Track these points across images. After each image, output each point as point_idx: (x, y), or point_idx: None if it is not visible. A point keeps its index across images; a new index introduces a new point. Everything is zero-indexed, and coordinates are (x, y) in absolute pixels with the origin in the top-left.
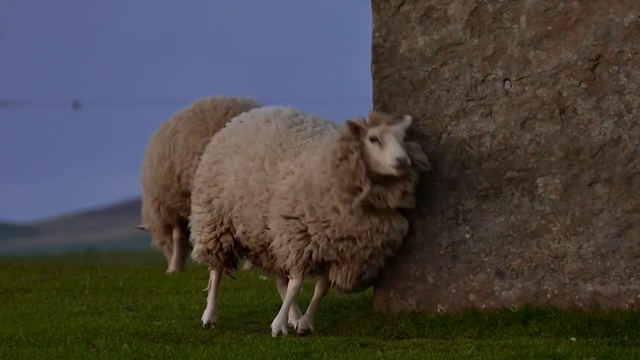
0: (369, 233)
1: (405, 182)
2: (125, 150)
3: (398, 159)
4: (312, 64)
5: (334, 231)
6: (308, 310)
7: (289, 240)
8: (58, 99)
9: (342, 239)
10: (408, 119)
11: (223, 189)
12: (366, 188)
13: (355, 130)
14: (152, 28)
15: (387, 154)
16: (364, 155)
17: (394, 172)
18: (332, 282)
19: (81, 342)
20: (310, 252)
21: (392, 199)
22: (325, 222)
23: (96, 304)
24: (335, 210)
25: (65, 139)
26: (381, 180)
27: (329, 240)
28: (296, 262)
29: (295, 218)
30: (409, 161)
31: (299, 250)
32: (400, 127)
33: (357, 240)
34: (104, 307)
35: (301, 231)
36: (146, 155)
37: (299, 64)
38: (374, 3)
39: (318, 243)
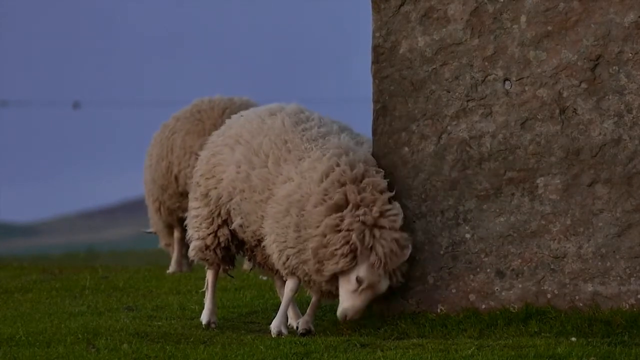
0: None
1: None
2: (125, 150)
3: (346, 316)
4: (312, 64)
5: (305, 262)
6: (308, 310)
7: (274, 241)
8: (58, 99)
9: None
10: (404, 256)
11: (222, 179)
12: (322, 282)
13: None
14: (153, 28)
15: (348, 301)
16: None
17: (338, 316)
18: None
19: (81, 342)
20: (288, 257)
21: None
22: (304, 247)
23: (96, 304)
24: (314, 251)
25: (65, 139)
26: None
27: (299, 262)
28: (278, 261)
29: (283, 225)
30: (349, 319)
31: (280, 252)
32: (387, 283)
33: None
34: (104, 307)
35: (285, 236)
36: (147, 156)
37: (299, 64)
38: (374, 3)
39: (290, 258)
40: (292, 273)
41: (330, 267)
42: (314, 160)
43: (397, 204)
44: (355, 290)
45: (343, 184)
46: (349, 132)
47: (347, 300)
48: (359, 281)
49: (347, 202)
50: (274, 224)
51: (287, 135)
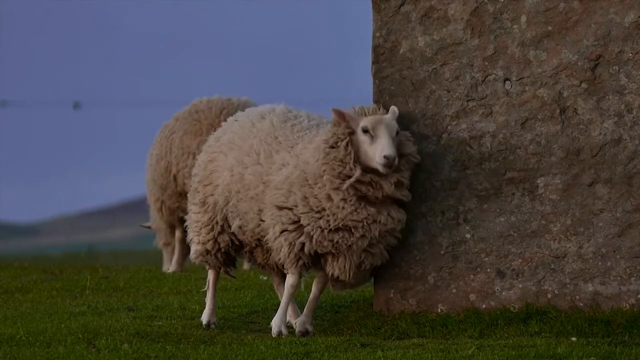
0: (365, 223)
1: (401, 170)
2: (125, 150)
3: (386, 157)
4: (312, 64)
5: (328, 221)
6: (305, 309)
7: (282, 232)
8: (58, 99)
9: (337, 230)
10: (394, 109)
11: (217, 185)
12: (357, 173)
13: (342, 117)
14: (154, 28)
15: (377, 150)
16: (354, 144)
17: (380, 169)
18: (331, 274)
19: (82, 342)
20: (303, 244)
21: (387, 186)
22: (318, 212)
23: (97, 304)
24: (329, 198)
25: (65, 139)
26: (373, 170)
27: (322, 231)
28: (288, 255)
29: (288, 209)
30: (397, 161)
31: (291, 243)
32: (391, 119)
33: (353, 230)
34: (104, 307)
35: (294, 222)
36: (148, 156)
37: (299, 64)
38: (374, 3)
39: (311, 234)
40: (304, 264)
41: (346, 172)
42: (308, 141)
43: None
44: (372, 139)
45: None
46: None
47: (376, 150)
48: (365, 129)
49: (338, 140)
50: (275, 212)
51: (277, 132)
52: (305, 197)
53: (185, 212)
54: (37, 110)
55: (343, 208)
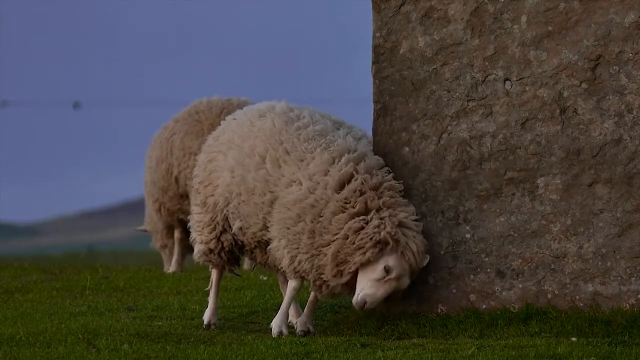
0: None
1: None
2: (125, 150)
3: (366, 303)
4: (312, 64)
5: (319, 267)
6: (306, 309)
7: (286, 246)
8: (59, 99)
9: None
10: (426, 261)
11: (217, 186)
12: (336, 282)
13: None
14: (154, 28)
15: (370, 289)
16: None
17: (354, 302)
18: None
19: (82, 342)
20: (300, 262)
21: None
22: (318, 252)
23: (97, 304)
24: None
25: (65, 139)
26: None
27: (312, 267)
28: (288, 267)
29: (295, 231)
30: (366, 308)
31: (292, 257)
32: (408, 279)
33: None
34: (104, 307)
35: (297, 242)
36: (147, 157)
37: (299, 64)
38: (374, 3)
39: (302, 264)
40: (302, 277)
41: (357, 259)
42: (323, 163)
43: (413, 207)
44: (380, 279)
45: (363, 193)
46: (342, 125)
47: (370, 287)
48: (387, 270)
49: (367, 209)
50: (284, 229)
51: (281, 136)
52: (313, 232)
53: (185, 213)
54: (37, 110)
55: (336, 281)
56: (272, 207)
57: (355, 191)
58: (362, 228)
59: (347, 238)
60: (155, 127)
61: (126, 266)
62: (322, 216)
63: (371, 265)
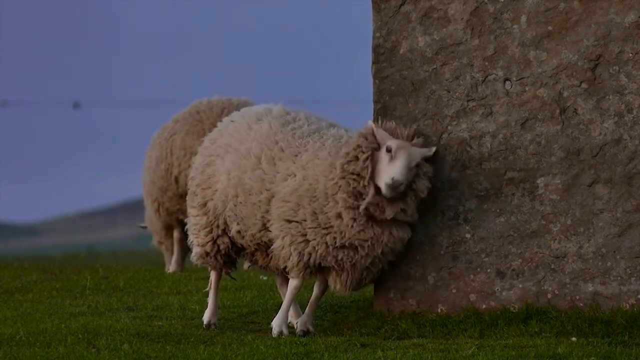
0: (370, 242)
1: (406, 200)
2: (125, 150)
3: (393, 180)
4: (312, 64)
5: (334, 238)
6: (307, 309)
7: (291, 243)
8: (58, 99)
9: (342, 247)
10: (432, 150)
11: (216, 190)
12: (371, 192)
13: (372, 134)
14: (154, 28)
15: (389, 171)
16: (373, 160)
17: (383, 189)
18: (331, 286)
19: (82, 342)
20: (310, 254)
21: (390, 211)
22: (326, 228)
23: (97, 304)
24: (339, 216)
25: (65, 139)
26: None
27: (327, 247)
28: (297, 264)
29: (297, 222)
30: (402, 188)
31: (300, 253)
32: (418, 152)
33: (359, 249)
34: (104, 307)
35: (303, 234)
36: (146, 157)
37: (299, 64)
38: (374, 3)
39: (316, 249)
40: (310, 272)
41: (360, 189)
42: (315, 151)
43: None
44: (390, 160)
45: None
46: (337, 127)
47: (388, 170)
48: (388, 149)
49: (360, 152)
50: (285, 225)
51: (277, 137)
52: (315, 213)
53: (184, 214)
54: (37, 110)
55: (352, 227)
56: (269, 205)
57: (347, 152)
58: (356, 158)
59: (347, 167)
60: (155, 127)
61: (126, 266)
62: (316, 192)
63: (377, 160)
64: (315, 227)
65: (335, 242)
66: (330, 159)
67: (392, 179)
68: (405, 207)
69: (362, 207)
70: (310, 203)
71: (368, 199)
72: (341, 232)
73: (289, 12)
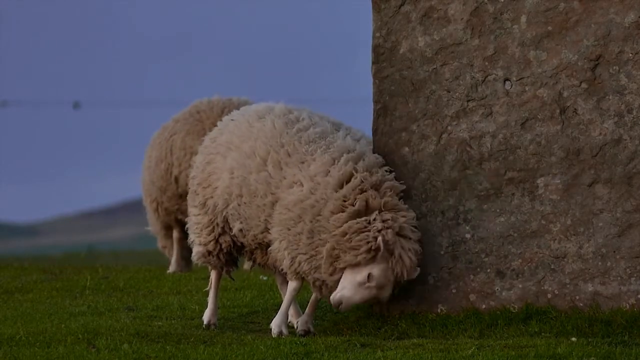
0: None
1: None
2: (125, 150)
3: (335, 302)
4: (312, 63)
5: (317, 267)
6: (307, 309)
7: (286, 248)
8: (58, 99)
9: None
10: (416, 273)
11: (216, 188)
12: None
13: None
14: (154, 28)
15: (347, 290)
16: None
17: (330, 299)
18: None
19: (81, 342)
20: (300, 263)
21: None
22: (316, 252)
23: (97, 304)
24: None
25: (65, 139)
26: None
27: (311, 268)
28: (289, 268)
29: (295, 232)
30: (341, 308)
31: (293, 258)
32: (388, 291)
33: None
34: (104, 307)
35: (297, 243)
36: (145, 157)
37: (299, 64)
38: (374, 3)
39: (301, 264)
40: (302, 278)
41: (347, 259)
42: (324, 164)
43: (413, 213)
44: (361, 284)
45: (364, 191)
46: (341, 127)
47: (350, 290)
48: (370, 278)
49: (367, 208)
50: (284, 230)
51: (282, 139)
52: (312, 231)
53: (183, 214)
54: (37, 110)
55: (330, 279)
56: (273, 209)
57: (354, 189)
58: (364, 228)
59: (346, 236)
60: (156, 127)
61: (126, 266)
62: (320, 215)
63: (358, 268)
64: (308, 245)
65: (319, 271)
66: (343, 191)
67: (341, 303)
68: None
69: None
70: (311, 220)
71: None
72: (322, 272)
73: (289, 12)
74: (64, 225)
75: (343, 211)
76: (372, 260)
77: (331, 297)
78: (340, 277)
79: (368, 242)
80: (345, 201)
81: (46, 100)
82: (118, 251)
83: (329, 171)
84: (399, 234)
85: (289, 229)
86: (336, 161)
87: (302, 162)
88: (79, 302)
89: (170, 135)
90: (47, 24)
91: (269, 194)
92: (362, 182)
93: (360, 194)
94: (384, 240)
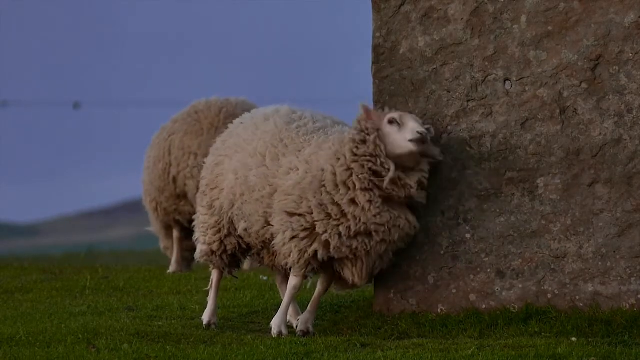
0: (386, 226)
1: (422, 169)
2: (125, 150)
3: (419, 132)
4: (312, 64)
5: (348, 227)
6: (309, 307)
7: (292, 238)
8: (58, 99)
9: (356, 235)
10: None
11: (223, 189)
12: (392, 167)
13: (369, 114)
14: (154, 28)
15: (408, 130)
16: (381, 138)
17: (412, 147)
18: (347, 278)
19: (82, 342)
20: (316, 251)
21: (413, 184)
22: (337, 219)
23: (97, 304)
24: (352, 202)
25: (65, 140)
26: (399, 165)
27: (341, 237)
28: (298, 261)
29: (300, 215)
30: (429, 136)
31: (301, 250)
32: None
33: (374, 235)
34: (104, 307)
35: (305, 229)
36: (145, 158)
37: (299, 64)
38: (374, 3)
39: (330, 241)
40: (313, 269)
41: (377, 168)
42: (318, 145)
43: None
44: (400, 128)
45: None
46: (343, 125)
47: (405, 133)
48: (391, 120)
49: (366, 135)
50: (285, 218)
51: (281, 134)
52: (322, 204)
53: (181, 214)
54: (37, 110)
55: (369, 210)
56: (272, 200)
57: (353, 138)
58: (363, 141)
59: (356, 154)
60: (156, 127)
61: (126, 266)
62: (323, 185)
63: (387, 140)
64: (324, 219)
65: (350, 230)
66: (335, 147)
67: (417, 131)
68: (423, 179)
69: (386, 182)
70: (315, 195)
71: (390, 174)
72: (356, 218)
73: (289, 12)
74: (64, 225)
75: (338, 160)
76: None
77: (409, 138)
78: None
79: (361, 128)
80: (338, 159)
81: (46, 100)
82: (118, 251)
83: (322, 146)
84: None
85: (292, 215)
86: (331, 142)
87: (299, 150)
88: (79, 302)
89: (169, 135)
90: (47, 24)
91: (266, 185)
92: (353, 143)
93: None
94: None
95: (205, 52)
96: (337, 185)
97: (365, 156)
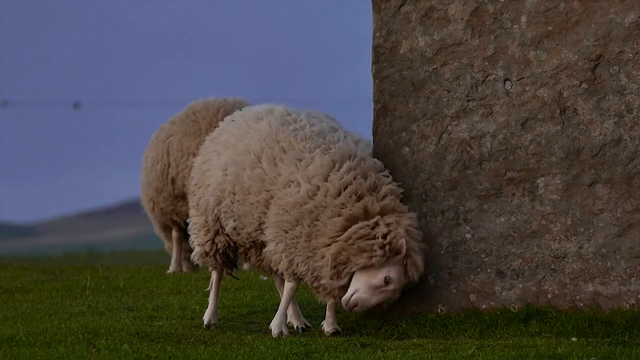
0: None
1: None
2: (125, 150)
3: (350, 304)
4: (312, 64)
5: (315, 269)
6: (328, 311)
7: (284, 250)
8: (59, 99)
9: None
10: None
11: (209, 185)
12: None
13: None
14: (154, 28)
15: (363, 292)
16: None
17: (342, 301)
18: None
19: (82, 342)
20: (297, 265)
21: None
22: (314, 254)
23: (97, 304)
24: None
25: (65, 140)
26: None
27: (308, 269)
28: (287, 270)
29: (294, 235)
30: (355, 310)
31: (291, 261)
32: (398, 294)
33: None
34: (104, 307)
35: (295, 246)
36: (143, 158)
37: (299, 64)
38: (374, 3)
39: (299, 266)
40: (299, 279)
41: (361, 261)
42: (323, 167)
43: (415, 213)
44: (377, 287)
45: (361, 197)
46: (339, 130)
47: (365, 292)
48: (387, 281)
49: (366, 212)
50: (281, 232)
51: (278, 136)
52: (309, 235)
53: (179, 215)
54: (37, 110)
55: (332, 284)
56: (267, 207)
57: (351, 196)
58: (368, 234)
59: (349, 240)
60: (156, 127)
61: (126, 266)
62: (319, 220)
63: (373, 270)
64: (305, 247)
65: (317, 273)
66: (340, 198)
67: (356, 304)
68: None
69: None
70: (309, 225)
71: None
72: (322, 273)
73: (289, 12)
74: (64, 225)
75: (340, 215)
76: (385, 263)
77: (343, 299)
78: (345, 283)
79: (381, 246)
80: (342, 208)
81: (46, 100)
82: (118, 251)
83: (329, 176)
84: (409, 235)
85: (286, 232)
86: (336, 164)
87: (299, 160)
88: (79, 302)
89: (167, 136)
90: (47, 24)
91: (263, 190)
92: (359, 187)
93: (358, 201)
94: (400, 240)
95: (205, 52)
96: (325, 225)
97: (361, 238)
